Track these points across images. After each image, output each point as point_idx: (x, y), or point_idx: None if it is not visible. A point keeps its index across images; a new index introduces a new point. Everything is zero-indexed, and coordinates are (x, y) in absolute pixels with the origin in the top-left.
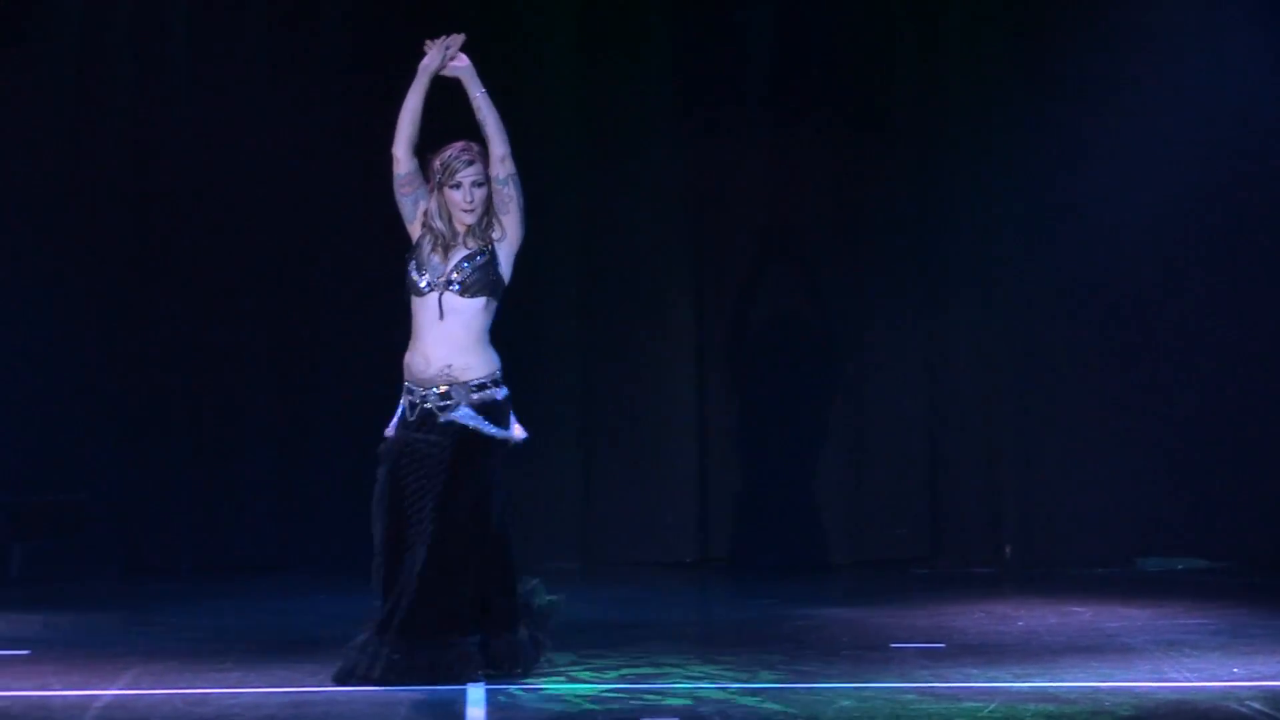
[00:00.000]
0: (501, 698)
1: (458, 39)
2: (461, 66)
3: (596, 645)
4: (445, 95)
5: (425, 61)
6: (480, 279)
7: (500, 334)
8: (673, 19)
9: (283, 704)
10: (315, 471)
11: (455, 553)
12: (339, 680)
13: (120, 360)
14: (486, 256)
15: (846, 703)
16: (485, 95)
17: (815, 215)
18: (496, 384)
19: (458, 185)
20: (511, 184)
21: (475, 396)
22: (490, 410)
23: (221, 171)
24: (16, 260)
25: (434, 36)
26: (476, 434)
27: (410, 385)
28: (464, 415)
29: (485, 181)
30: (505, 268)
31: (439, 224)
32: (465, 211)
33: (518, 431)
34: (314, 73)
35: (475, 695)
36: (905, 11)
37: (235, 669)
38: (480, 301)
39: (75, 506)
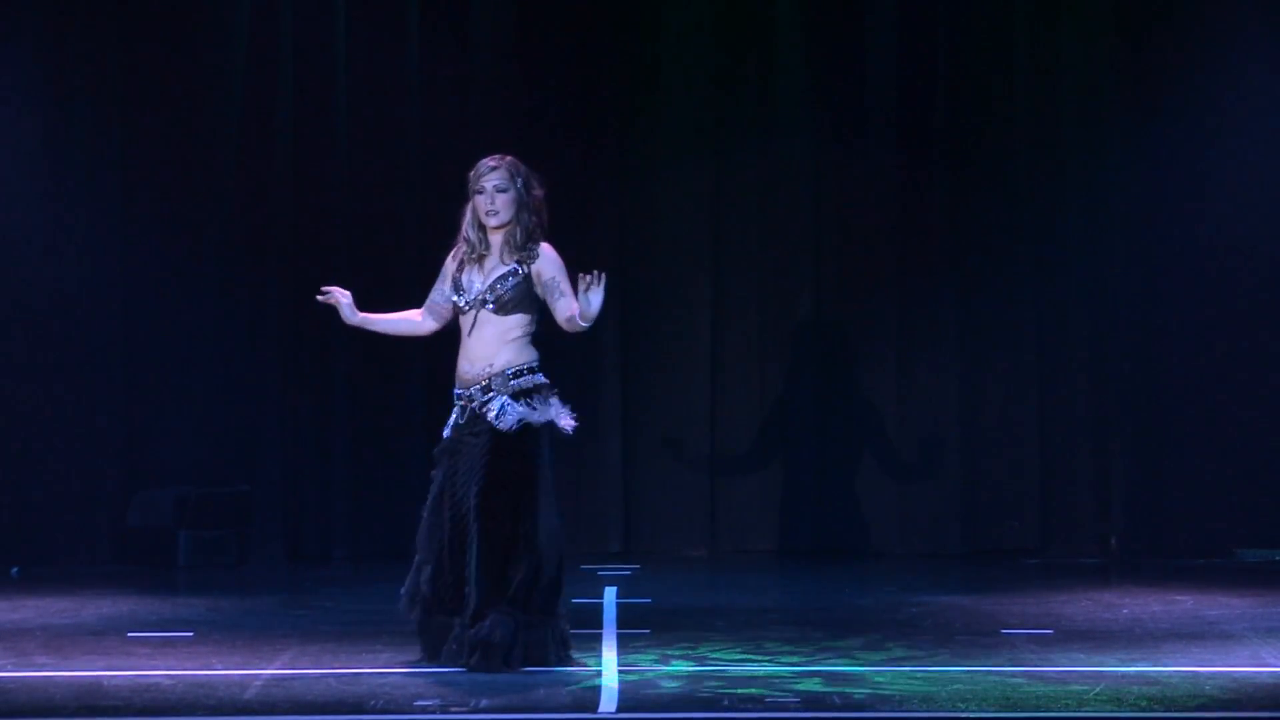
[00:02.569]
0: (632, 679)
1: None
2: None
3: (720, 630)
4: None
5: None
6: (515, 298)
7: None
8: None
9: (428, 682)
10: None
11: (504, 534)
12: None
13: (284, 363)
14: (521, 277)
15: (959, 685)
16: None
17: (937, 221)
18: (533, 371)
19: (481, 190)
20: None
21: (513, 383)
22: (528, 393)
23: (380, 180)
24: (189, 268)
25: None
26: (506, 431)
27: (458, 390)
28: (501, 405)
29: (509, 188)
30: (539, 293)
31: (472, 234)
32: (488, 214)
33: (566, 421)
34: (467, 79)
35: (609, 676)
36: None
37: (386, 650)
38: (514, 318)
39: (240, 497)
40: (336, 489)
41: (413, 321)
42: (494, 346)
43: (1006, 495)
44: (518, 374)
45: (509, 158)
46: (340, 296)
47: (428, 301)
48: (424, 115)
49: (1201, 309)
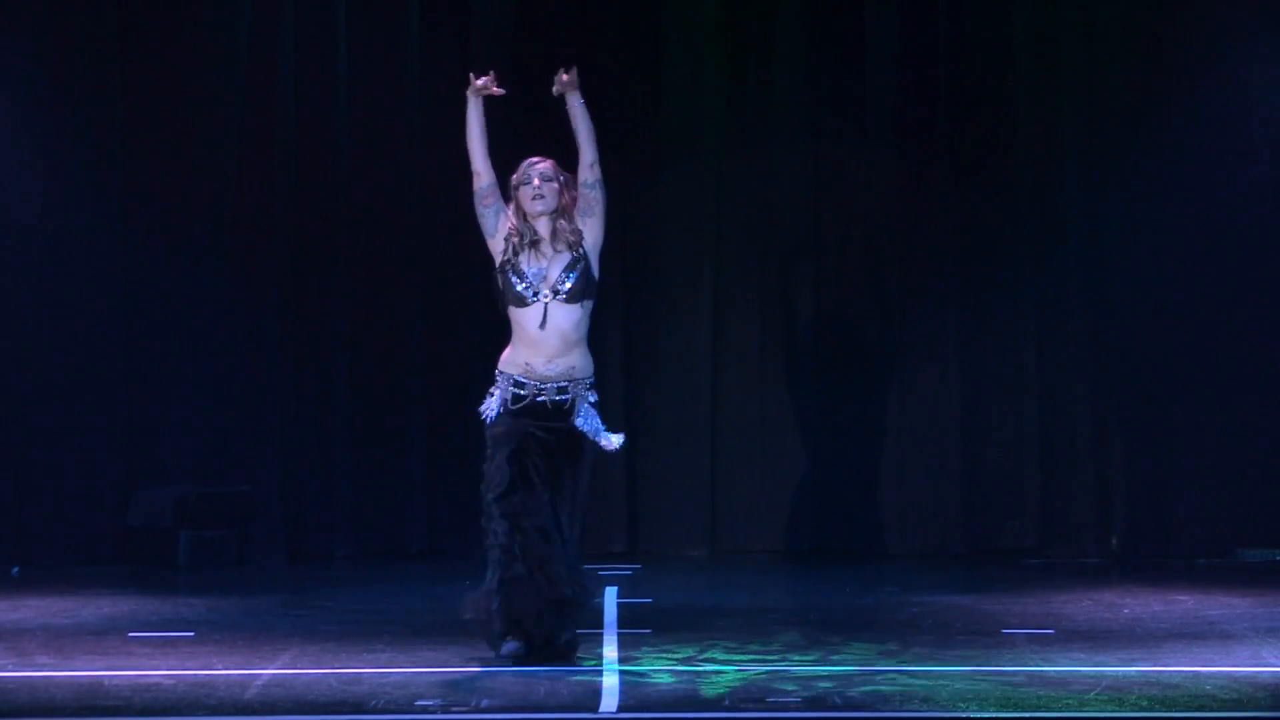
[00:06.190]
0: (633, 679)
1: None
2: (566, 80)
3: (721, 629)
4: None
5: (471, 92)
6: (582, 286)
7: None
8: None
9: (430, 683)
10: (463, 464)
11: (574, 535)
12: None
13: (284, 362)
14: (583, 263)
15: (960, 685)
16: (583, 105)
17: (937, 220)
18: (595, 386)
19: (527, 179)
20: (598, 188)
21: (589, 395)
22: (598, 408)
23: (379, 180)
24: (189, 268)
25: (556, 60)
26: (592, 437)
27: (522, 379)
28: (586, 415)
29: (554, 178)
30: (595, 269)
31: (521, 225)
32: (533, 200)
33: (611, 442)
34: (467, 79)
35: (609, 677)
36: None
37: (387, 650)
38: (582, 305)
39: (240, 497)
40: (336, 489)
41: (483, 143)
42: (571, 345)
43: (1007, 495)
44: (591, 386)
45: (547, 158)
46: (487, 83)
47: (494, 179)
48: (424, 116)
49: (1203, 308)
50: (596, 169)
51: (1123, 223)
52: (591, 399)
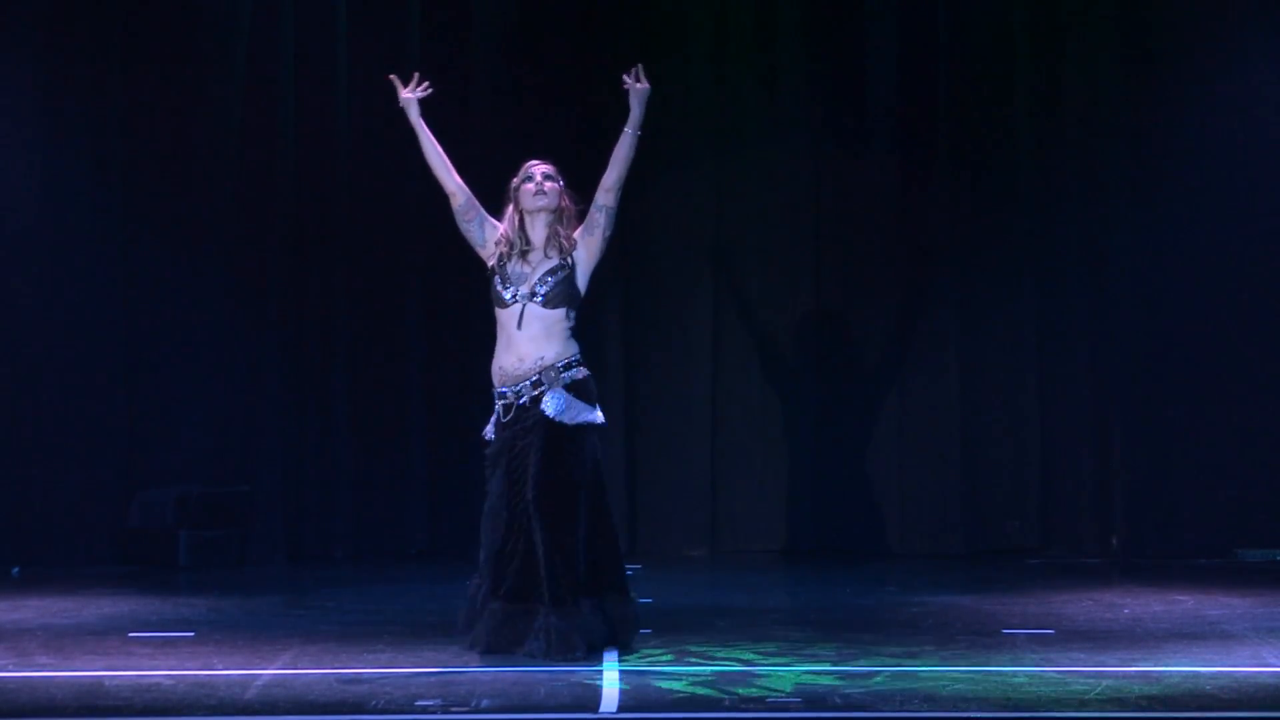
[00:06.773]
0: (633, 679)
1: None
2: (642, 89)
3: (723, 629)
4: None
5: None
6: (561, 292)
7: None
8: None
9: (430, 683)
10: (463, 465)
11: (562, 526)
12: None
13: (285, 362)
14: (567, 270)
15: (961, 685)
16: (636, 137)
17: (937, 220)
18: (580, 364)
19: (530, 178)
20: (605, 213)
21: (564, 375)
22: (578, 388)
23: (379, 179)
24: (189, 269)
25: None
26: (561, 423)
27: (503, 389)
28: (558, 400)
29: (556, 179)
30: (582, 281)
31: (514, 234)
32: (534, 196)
33: (599, 415)
34: (467, 79)
35: (610, 677)
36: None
37: (387, 650)
38: (560, 312)
39: (240, 497)
40: (336, 489)
41: (446, 165)
42: (543, 341)
43: (1007, 495)
44: (568, 366)
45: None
46: (412, 93)
47: (468, 193)
48: (425, 116)
49: (1202, 308)
50: (613, 196)
51: (1122, 222)
52: (571, 377)
